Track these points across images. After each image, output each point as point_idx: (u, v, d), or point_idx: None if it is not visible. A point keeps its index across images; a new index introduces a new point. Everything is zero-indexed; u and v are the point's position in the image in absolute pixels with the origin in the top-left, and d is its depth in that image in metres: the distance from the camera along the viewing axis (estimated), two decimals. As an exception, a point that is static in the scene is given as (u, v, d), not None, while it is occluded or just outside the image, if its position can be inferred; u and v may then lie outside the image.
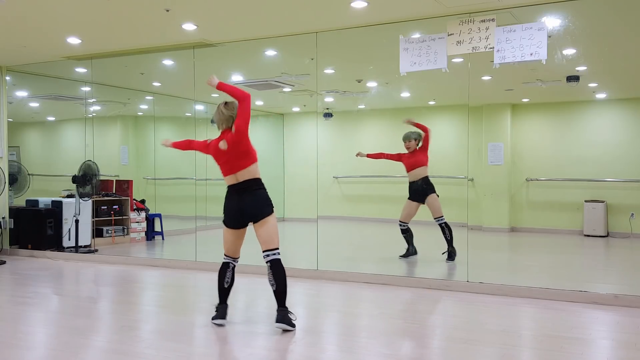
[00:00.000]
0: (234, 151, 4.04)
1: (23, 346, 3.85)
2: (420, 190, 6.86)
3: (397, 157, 7.02)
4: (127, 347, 3.77)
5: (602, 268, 7.25)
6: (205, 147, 4.24)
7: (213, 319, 4.27)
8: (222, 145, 4.04)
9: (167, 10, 5.47)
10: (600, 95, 9.65)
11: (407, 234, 7.00)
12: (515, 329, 4.32)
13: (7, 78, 8.15)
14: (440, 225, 6.77)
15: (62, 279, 6.48)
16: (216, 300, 4.35)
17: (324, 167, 8.24)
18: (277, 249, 4.08)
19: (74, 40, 6.66)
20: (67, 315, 4.71)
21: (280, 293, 4.04)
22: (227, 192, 4.18)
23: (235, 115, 4.06)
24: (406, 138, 6.91)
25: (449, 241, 6.75)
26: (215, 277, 4.39)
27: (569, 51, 6.79)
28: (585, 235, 9.57)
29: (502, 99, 10.05)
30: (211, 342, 3.96)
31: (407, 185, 7.03)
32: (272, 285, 4.06)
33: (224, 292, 4.27)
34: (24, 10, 5.48)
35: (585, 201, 9.63)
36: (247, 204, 4.07)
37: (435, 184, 7.01)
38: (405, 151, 6.95)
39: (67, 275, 6.64)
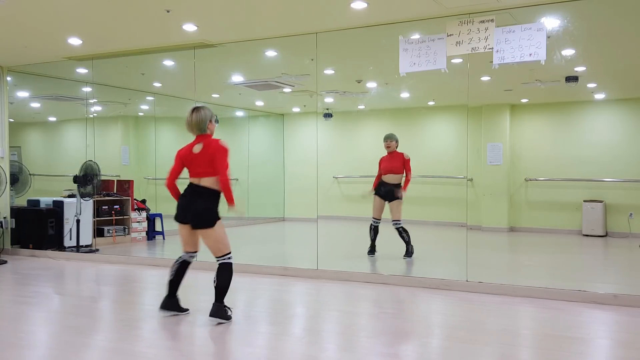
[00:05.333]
0: (207, 156, 4.17)
1: (24, 345, 3.86)
2: (386, 193, 7.08)
3: (379, 167, 7.17)
4: (128, 347, 3.79)
5: (601, 268, 7.27)
6: (179, 161, 4.31)
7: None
8: (197, 148, 4.22)
9: (168, 11, 5.49)
10: (599, 96, 9.67)
11: (376, 231, 7.17)
12: (514, 328, 4.34)
13: (8, 78, 8.17)
14: (397, 229, 7.00)
15: (63, 278, 6.50)
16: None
17: (324, 167, 8.26)
18: (228, 254, 4.30)
19: (74, 41, 6.68)
20: (68, 315, 4.74)
21: (218, 289, 4.27)
22: (185, 188, 4.30)
23: (205, 124, 4.24)
24: (387, 138, 7.06)
25: (407, 242, 6.98)
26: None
27: (568, 52, 6.81)
28: (584, 235, 9.59)
29: (501, 99, 10.08)
30: (211, 341, 3.98)
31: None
32: (214, 281, 4.30)
33: (170, 284, 4.40)
34: (25, 11, 5.50)
35: (584, 201, 9.66)
36: (197, 211, 4.19)
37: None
38: (384, 153, 7.12)
39: (68, 275, 6.66)
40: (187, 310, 4.52)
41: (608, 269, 7.12)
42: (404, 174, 7.02)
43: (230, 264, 4.31)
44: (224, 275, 4.28)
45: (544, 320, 4.54)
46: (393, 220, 6.99)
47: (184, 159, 4.28)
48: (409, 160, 7.00)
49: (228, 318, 4.32)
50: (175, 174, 4.36)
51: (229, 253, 4.30)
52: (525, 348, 3.85)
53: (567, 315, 4.61)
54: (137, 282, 6.26)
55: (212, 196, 4.21)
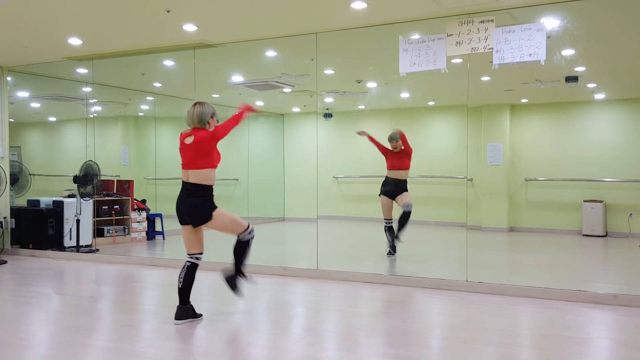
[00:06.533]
0: (197, 148, 4.18)
1: (24, 345, 3.87)
2: (395, 190, 7.02)
3: (384, 151, 7.12)
4: (128, 346, 3.80)
5: (601, 268, 7.27)
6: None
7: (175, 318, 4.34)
8: (188, 140, 4.23)
9: (168, 11, 5.49)
10: (599, 96, 9.67)
11: (391, 231, 7.11)
12: (514, 328, 4.35)
13: (9, 78, 8.17)
14: (408, 212, 6.88)
15: (63, 278, 6.51)
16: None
17: (324, 167, 8.26)
18: (246, 230, 4.35)
19: (75, 41, 6.68)
20: (68, 315, 4.74)
21: (181, 290, 4.30)
22: (181, 188, 4.33)
23: (205, 117, 4.24)
24: (393, 138, 7.01)
25: (401, 228, 6.91)
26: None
27: (568, 52, 6.82)
28: (584, 235, 9.59)
29: (501, 99, 10.08)
30: (211, 341, 3.98)
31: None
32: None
33: (180, 292, 4.34)
34: (25, 11, 5.50)
35: (584, 201, 9.66)
36: (188, 209, 4.23)
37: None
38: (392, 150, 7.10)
39: (68, 275, 6.66)
40: (201, 315, 4.42)
41: (608, 269, 7.13)
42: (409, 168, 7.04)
43: (247, 241, 4.36)
44: (237, 251, 4.39)
45: (543, 320, 4.54)
46: (404, 204, 6.90)
47: (180, 145, 4.29)
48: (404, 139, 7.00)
49: (234, 287, 4.46)
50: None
51: (247, 228, 4.33)
52: (525, 348, 3.86)
53: (567, 315, 4.61)
54: (137, 282, 6.27)
55: (201, 192, 4.21)
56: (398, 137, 6.97)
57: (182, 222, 4.31)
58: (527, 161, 10.33)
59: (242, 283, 4.53)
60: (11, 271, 6.77)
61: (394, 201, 7.08)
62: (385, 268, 6.66)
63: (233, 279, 4.47)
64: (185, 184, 4.27)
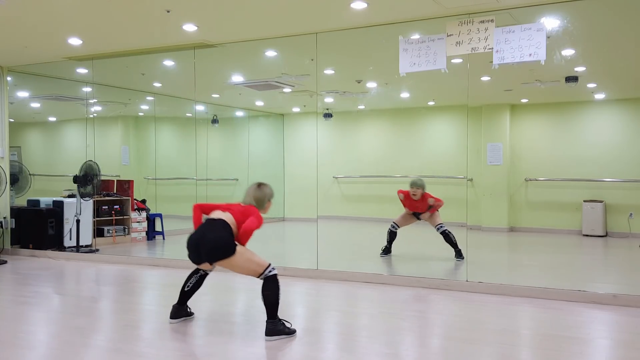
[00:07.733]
0: (239, 210, 4.11)
1: (24, 345, 3.87)
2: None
3: (403, 202, 7.08)
4: (128, 347, 3.80)
5: (601, 268, 7.27)
6: (221, 205, 4.22)
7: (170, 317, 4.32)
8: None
9: (168, 11, 5.49)
10: (599, 96, 9.67)
11: (392, 234, 7.12)
12: (514, 328, 4.35)
13: (9, 78, 8.17)
14: (442, 232, 6.87)
15: (63, 278, 6.51)
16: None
17: (324, 167, 8.26)
18: (267, 268, 3.95)
19: (75, 41, 6.68)
20: (68, 315, 4.74)
21: (267, 305, 3.93)
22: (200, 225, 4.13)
23: (265, 201, 4.27)
24: (414, 185, 6.96)
25: (455, 245, 6.84)
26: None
27: (568, 52, 6.82)
28: (584, 235, 9.59)
29: (501, 99, 10.08)
30: (211, 341, 3.98)
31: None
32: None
33: (183, 294, 4.31)
34: (25, 11, 5.50)
35: (584, 201, 9.66)
36: (205, 242, 3.93)
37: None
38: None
39: (68, 275, 6.66)
40: (193, 313, 4.42)
41: (608, 269, 7.12)
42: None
43: (274, 275, 3.93)
44: (270, 289, 3.91)
45: (543, 320, 4.54)
46: (436, 226, 6.88)
47: (225, 205, 4.16)
48: (435, 203, 6.91)
49: (290, 332, 3.96)
50: (207, 205, 4.25)
51: (269, 266, 3.94)
52: (525, 348, 3.86)
53: (567, 315, 4.61)
54: (137, 282, 6.27)
55: (225, 227, 3.95)
56: (420, 185, 6.90)
57: (197, 260, 4.01)
58: (527, 161, 10.33)
59: (288, 323, 4.04)
60: (11, 271, 6.77)
61: (415, 219, 7.07)
62: (385, 268, 6.66)
63: (279, 326, 3.93)
64: (210, 219, 4.05)
